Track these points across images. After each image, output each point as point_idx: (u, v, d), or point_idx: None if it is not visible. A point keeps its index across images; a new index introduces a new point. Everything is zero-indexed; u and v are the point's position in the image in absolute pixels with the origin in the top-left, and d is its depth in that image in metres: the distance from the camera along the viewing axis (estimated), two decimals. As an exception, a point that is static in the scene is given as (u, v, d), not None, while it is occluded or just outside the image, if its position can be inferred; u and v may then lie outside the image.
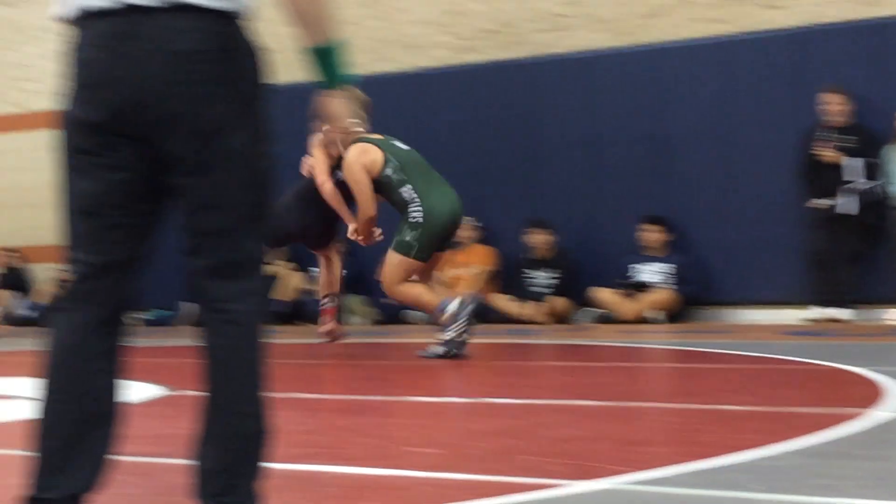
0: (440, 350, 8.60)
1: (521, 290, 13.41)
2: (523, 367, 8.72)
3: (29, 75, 16.94)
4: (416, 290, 8.74)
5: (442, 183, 8.81)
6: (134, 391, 6.96)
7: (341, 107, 3.02)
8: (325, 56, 2.98)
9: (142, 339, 12.32)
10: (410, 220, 8.63)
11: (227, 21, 2.86)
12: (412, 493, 3.82)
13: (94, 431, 3.05)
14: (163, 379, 7.50)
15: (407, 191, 8.67)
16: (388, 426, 5.51)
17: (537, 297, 13.24)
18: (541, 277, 13.36)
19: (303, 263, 14.20)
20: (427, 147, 13.39)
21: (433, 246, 8.67)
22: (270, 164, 2.97)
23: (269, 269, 14.40)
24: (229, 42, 2.85)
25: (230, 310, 2.98)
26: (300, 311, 13.98)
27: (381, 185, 8.71)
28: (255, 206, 2.94)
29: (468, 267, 13.60)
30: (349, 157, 8.63)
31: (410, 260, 8.64)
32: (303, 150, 9.28)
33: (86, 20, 2.86)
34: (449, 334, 8.57)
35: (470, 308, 8.61)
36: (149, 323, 14.86)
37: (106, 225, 2.94)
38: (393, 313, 13.54)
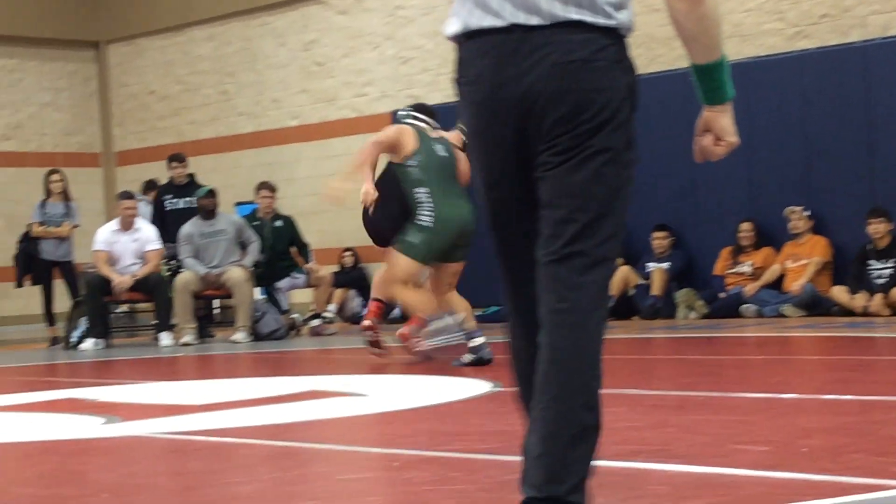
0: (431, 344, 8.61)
1: (860, 282, 12.95)
2: (860, 362, 8.44)
3: (365, 80, 17.48)
4: (410, 295, 8.77)
5: (459, 195, 8.84)
6: (463, 387, 7.10)
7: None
8: (710, 73, 3.12)
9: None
10: (418, 222, 8.68)
11: (608, 35, 3.07)
12: (740, 493, 3.75)
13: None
14: (494, 375, 7.60)
15: (422, 193, 8.71)
16: (717, 423, 5.43)
17: (879, 289, 12.75)
18: (881, 268, 12.88)
19: (632, 258, 14.16)
20: (755, 136, 13.19)
21: (436, 252, 8.71)
22: (632, 169, 3.15)
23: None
24: (610, 55, 3.06)
25: (573, 300, 3.06)
26: (629, 306, 13.94)
27: (401, 174, 8.82)
28: (613, 205, 3.11)
29: (803, 258, 13.26)
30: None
31: (410, 261, 8.68)
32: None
33: (474, 36, 3.12)
34: (428, 344, 8.58)
35: (458, 333, 8.54)
36: (483, 319, 15.08)
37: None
38: (726, 305, 13.34)
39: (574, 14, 3.05)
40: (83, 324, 13.50)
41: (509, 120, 3.09)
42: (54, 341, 14.15)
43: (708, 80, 3.12)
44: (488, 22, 3.09)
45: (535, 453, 3.07)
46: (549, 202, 3.08)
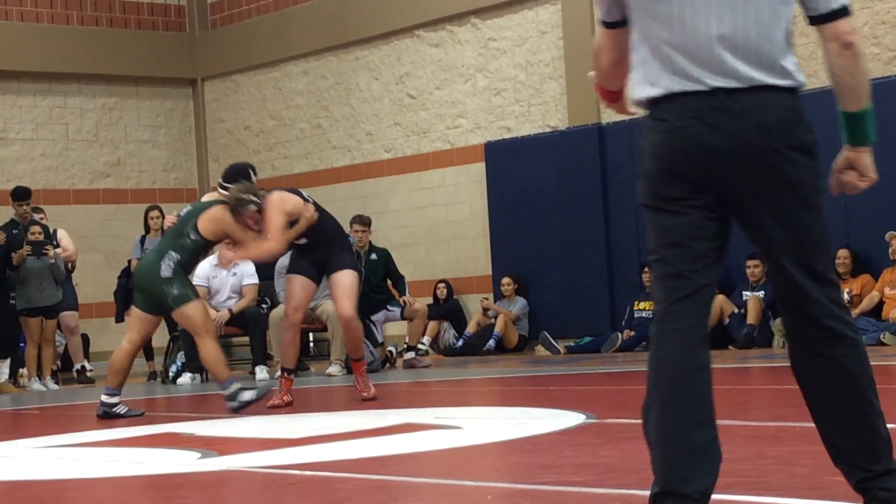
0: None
1: None
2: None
3: (458, 112, 17.55)
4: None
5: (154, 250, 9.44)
6: (556, 419, 7.07)
7: None
8: (859, 119, 3.52)
9: (567, 367, 12.50)
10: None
11: (793, 95, 3.48)
12: (836, 526, 3.70)
13: (709, 434, 3.50)
14: (588, 406, 7.57)
15: None
16: (814, 454, 5.34)
17: None
18: None
19: (727, 287, 14.04)
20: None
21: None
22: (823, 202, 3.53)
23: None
24: (797, 112, 3.46)
25: (841, 318, 3.50)
26: (725, 335, 13.81)
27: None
28: (823, 236, 3.53)
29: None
30: None
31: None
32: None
33: (672, 98, 3.48)
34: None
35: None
36: (574, 350, 15.05)
37: (693, 255, 3.52)
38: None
39: (769, 79, 3.43)
40: (180, 358, 13.65)
41: (712, 171, 3.44)
42: (152, 376, 14.32)
43: (856, 125, 3.52)
44: (691, 87, 3.45)
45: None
46: (773, 242, 3.50)
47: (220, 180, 9.39)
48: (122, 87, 20.10)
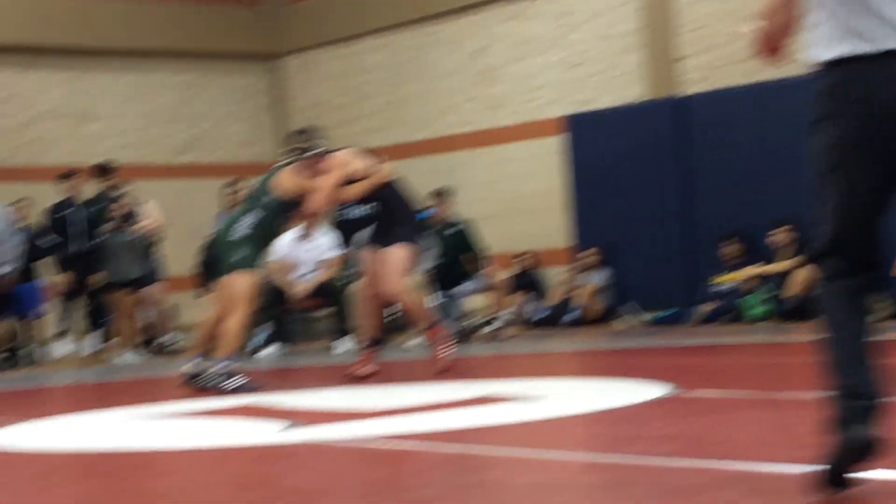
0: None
1: None
2: None
3: (534, 85, 17.49)
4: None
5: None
6: (640, 390, 7.06)
7: None
8: None
9: (650, 339, 12.47)
10: None
11: None
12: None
13: (870, 354, 3.65)
14: (672, 378, 7.55)
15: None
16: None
17: None
18: None
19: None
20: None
21: None
22: None
23: (778, 265, 14.20)
24: None
25: None
26: (809, 307, 13.70)
27: None
28: None
29: None
30: None
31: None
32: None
33: (849, 62, 3.58)
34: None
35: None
36: (656, 322, 15.00)
37: (862, 214, 3.66)
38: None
39: None
40: (262, 331, 13.78)
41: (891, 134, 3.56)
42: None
43: None
44: (871, 48, 3.55)
45: None
46: None
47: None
48: (203, 63, 20.26)
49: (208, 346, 9.19)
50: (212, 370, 8.88)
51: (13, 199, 15.19)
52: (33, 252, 14.70)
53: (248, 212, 9.02)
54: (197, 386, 9.03)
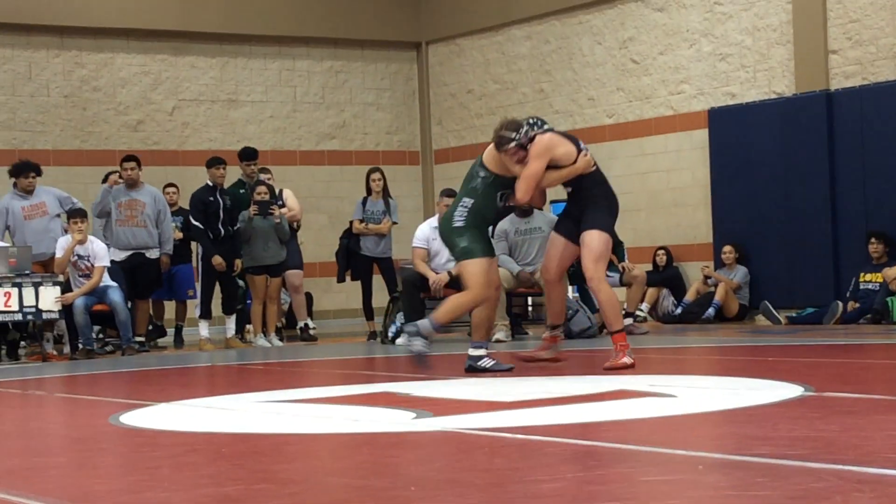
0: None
1: None
2: None
3: (682, 77, 17.33)
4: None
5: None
6: (773, 390, 6.96)
7: None
8: None
9: (788, 338, 12.27)
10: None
11: None
12: None
13: None
14: (807, 379, 7.42)
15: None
16: None
17: None
18: None
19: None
20: None
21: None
22: None
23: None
24: None
25: None
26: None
27: None
28: None
29: None
30: None
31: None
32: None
33: None
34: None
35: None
36: (795, 321, 14.76)
37: None
38: None
39: None
40: (399, 319, 13.86)
41: None
42: (372, 335, 14.58)
43: None
44: None
45: None
46: None
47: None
48: (349, 50, 20.45)
49: (481, 333, 9.24)
50: (475, 353, 9.09)
51: (163, 183, 15.53)
52: (186, 235, 15.02)
53: (466, 194, 9.07)
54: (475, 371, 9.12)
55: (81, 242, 13.35)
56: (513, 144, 8.81)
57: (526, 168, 8.83)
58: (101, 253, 13.47)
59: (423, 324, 9.15)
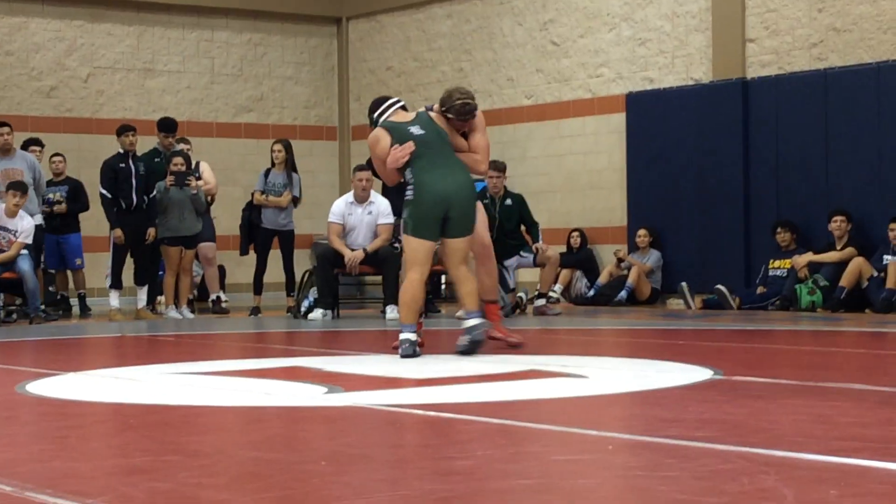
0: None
1: None
2: None
3: (601, 61, 17.39)
4: (408, 291, 8.38)
5: (447, 167, 8.43)
6: (683, 373, 7.02)
7: None
8: None
9: (698, 322, 12.40)
10: (405, 198, 8.45)
11: None
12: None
13: None
14: (715, 362, 7.50)
15: (407, 174, 8.46)
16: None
17: None
18: None
19: (867, 250, 13.80)
20: None
21: (427, 224, 8.35)
22: None
23: (833, 255, 14.07)
24: None
25: None
26: (862, 299, 13.60)
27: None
28: None
29: None
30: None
31: (414, 238, 8.36)
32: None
33: None
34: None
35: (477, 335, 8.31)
36: (709, 305, 14.91)
37: None
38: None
39: None
40: (313, 294, 13.82)
41: None
42: (289, 310, 14.47)
43: None
44: None
45: None
46: None
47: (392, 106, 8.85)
48: (269, 23, 20.31)
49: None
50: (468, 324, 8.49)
51: (69, 150, 15.34)
52: (70, 206, 14.88)
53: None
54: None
55: (11, 216, 13.28)
56: (464, 112, 8.61)
57: (481, 139, 8.64)
58: (27, 230, 13.36)
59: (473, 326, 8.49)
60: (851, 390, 6.27)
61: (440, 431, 5.15)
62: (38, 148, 15.15)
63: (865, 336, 10.54)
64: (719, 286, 14.96)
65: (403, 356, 8.19)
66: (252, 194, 14.74)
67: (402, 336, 8.28)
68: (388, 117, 8.74)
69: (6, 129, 14.09)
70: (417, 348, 8.32)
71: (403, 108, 8.87)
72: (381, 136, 8.60)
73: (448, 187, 8.37)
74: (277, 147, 14.69)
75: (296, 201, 14.64)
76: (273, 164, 14.67)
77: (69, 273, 15.46)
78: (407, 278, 8.46)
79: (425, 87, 19.52)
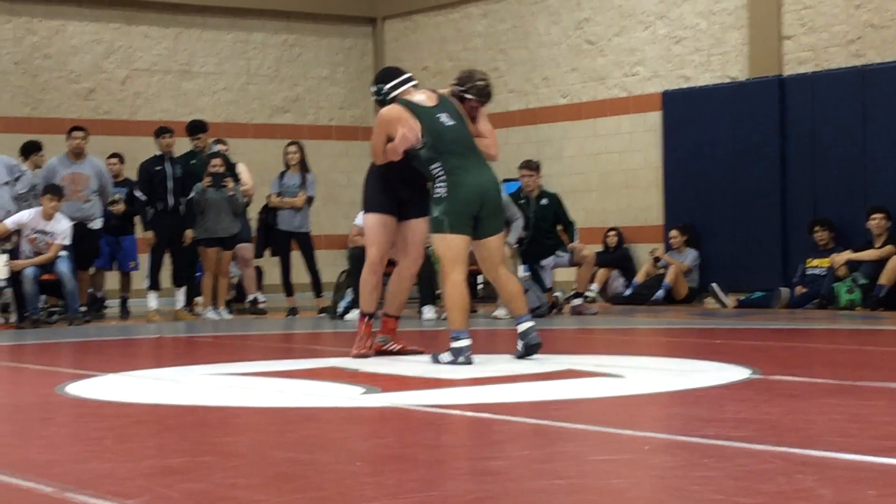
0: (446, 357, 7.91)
1: None
2: None
3: (636, 59, 17.35)
4: (453, 294, 7.93)
5: (478, 164, 8.07)
6: (720, 373, 7.00)
7: None
8: None
9: (736, 321, 12.34)
10: (435, 196, 8.00)
11: None
12: None
13: None
14: (753, 362, 7.47)
15: (436, 168, 7.99)
16: None
17: None
18: None
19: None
20: None
21: (464, 220, 7.95)
22: None
23: (873, 252, 13.98)
24: None
25: None
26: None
27: (412, 157, 8.08)
28: None
29: None
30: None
31: (451, 234, 7.95)
32: None
33: None
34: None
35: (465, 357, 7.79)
36: (744, 304, 14.85)
37: None
38: None
39: None
40: (349, 294, 13.83)
41: None
42: (322, 311, 14.50)
43: None
44: None
45: None
46: None
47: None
48: (304, 23, 20.35)
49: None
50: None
51: (110, 153, 15.43)
52: (129, 209, 14.93)
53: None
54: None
55: (48, 218, 13.39)
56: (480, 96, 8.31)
57: (488, 124, 8.33)
58: (64, 233, 13.45)
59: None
60: (889, 389, 6.23)
61: (475, 432, 5.16)
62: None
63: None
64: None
65: (461, 364, 7.75)
66: (267, 197, 14.78)
67: (456, 344, 7.82)
68: (401, 93, 8.31)
69: (80, 134, 14.17)
70: (471, 356, 7.87)
71: (415, 86, 8.43)
72: (403, 116, 8.07)
73: (483, 184, 8.06)
74: (292, 149, 14.72)
75: (310, 201, 14.67)
76: (287, 167, 14.71)
77: (106, 273, 15.49)
78: (449, 281, 8.03)
79: (461, 87, 19.51)
